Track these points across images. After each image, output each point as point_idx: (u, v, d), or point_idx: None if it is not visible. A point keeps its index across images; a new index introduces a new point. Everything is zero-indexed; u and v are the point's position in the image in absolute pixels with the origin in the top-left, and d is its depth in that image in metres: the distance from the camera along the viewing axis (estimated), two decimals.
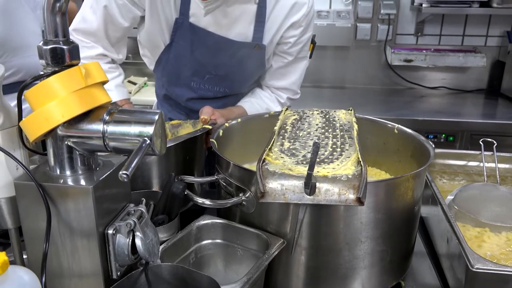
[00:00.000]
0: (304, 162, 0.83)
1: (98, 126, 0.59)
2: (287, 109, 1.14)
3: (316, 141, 0.74)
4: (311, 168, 0.72)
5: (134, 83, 2.54)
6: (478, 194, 1.07)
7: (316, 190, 0.72)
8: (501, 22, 2.79)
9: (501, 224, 0.97)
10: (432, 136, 2.30)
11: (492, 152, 1.22)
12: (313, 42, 1.52)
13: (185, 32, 1.31)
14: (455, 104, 2.67)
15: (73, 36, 1.34)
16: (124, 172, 0.53)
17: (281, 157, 0.86)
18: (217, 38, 1.31)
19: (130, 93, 2.46)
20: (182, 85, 1.41)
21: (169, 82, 1.44)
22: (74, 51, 0.58)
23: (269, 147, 0.89)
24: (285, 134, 0.99)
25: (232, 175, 0.88)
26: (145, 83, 2.64)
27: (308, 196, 0.72)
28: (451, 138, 2.29)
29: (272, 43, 1.37)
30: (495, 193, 1.07)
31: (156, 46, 1.37)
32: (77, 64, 0.59)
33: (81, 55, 1.46)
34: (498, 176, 1.15)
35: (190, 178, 0.90)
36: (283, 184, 0.74)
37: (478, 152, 1.25)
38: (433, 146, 1.03)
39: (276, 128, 1.01)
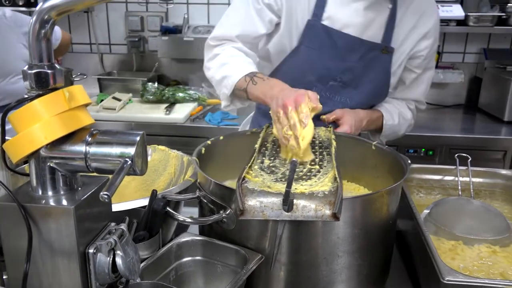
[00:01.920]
0: (283, 179, 0.85)
1: (81, 148, 0.61)
2: (268, 126, 1.17)
3: (294, 159, 0.77)
4: (289, 186, 0.75)
5: (119, 99, 2.55)
6: (452, 208, 1.10)
7: (294, 206, 0.75)
8: (478, 39, 2.89)
9: (474, 237, 1.01)
10: (412, 151, 2.35)
11: (466, 167, 1.26)
12: (438, 52, 1.54)
13: (316, 34, 1.34)
14: (434, 119, 2.74)
15: (210, 43, 1.41)
16: (105, 192, 0.54)
17: (261, 175, 0.88)
18: (350, 39, 1.34)
19: (115, 109, 2.46)
20: None
21: None
22: (58, 75, 0.60)
23: (249, 164, 0.91)
24: (266, 151, 1.02)
25: (213, 192, 0.90)
26: (130, 99, 2.66)
27: (286, 213, 0.75)
28: (430, 153, 2.35)
29: (401, 52, 1.40)
30: (469, 207, 1.11)
31: (282, 51, 1.40)
32: (61, 88, 0.61)
33: (216, 51, 1.39)
34: (472, 190, 1.19)
35: (172, 196, 0.92)
36: (262, 202, 0.76)
37: (453, 167, 1.29)
38: (409, 162, 1.06)
39: (257, 145, 1.04)
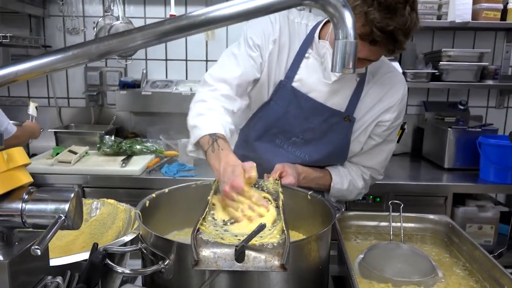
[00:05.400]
0: (236, 236, 0.91)
1: (17, 205, 0.66)
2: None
3: (262, 223, 0.84)
4: (247, 241, 0.80)
5: (75, 153, 2.56)
6: (383, 252, 1.19)
7: (246, 257, 0.80)
8: (418, 93, 3.14)
9: (401, 279, 1.09)
10: (361, 198, 2.46)
11: (398, 213, 1.36)
12: (402, 128, 1.60)
13: (285, 94, 1.46)
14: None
15: (206, 80, 1.44)
16: (36, 246, 0.59)
17: (214, 226, 0.94)
18: (315, 103, 1.45)
19: (70, 162, 2.47)
20: (267, 141, 1.51)
21: (255, 137, 1.52)
22: None
23: (203, 216, 0.97)
24: (217, 204, 1.07)
25: (153, 244, 0.94)
26: (86, 152, 2.67)
27: (238, 264, 0.80)
28: (378, 199, 2.47)
29: (364, 121, 1.49)
30: (398, 251, 1.20)
31: (260, 100, 1.50)
32: (0, 150, 0.66)
33: (204, 96, 1.42)
34: (402, 235, 1.29)
35: (113, 248, 0.95)
36: (215, 252, 0.80)
37: (387, 213, 1.39)
38: (342, 210, 1.15)
39: (210, 197, 1.09)
